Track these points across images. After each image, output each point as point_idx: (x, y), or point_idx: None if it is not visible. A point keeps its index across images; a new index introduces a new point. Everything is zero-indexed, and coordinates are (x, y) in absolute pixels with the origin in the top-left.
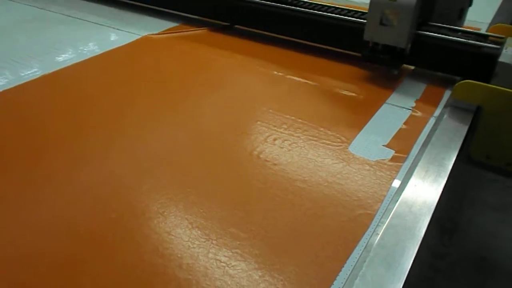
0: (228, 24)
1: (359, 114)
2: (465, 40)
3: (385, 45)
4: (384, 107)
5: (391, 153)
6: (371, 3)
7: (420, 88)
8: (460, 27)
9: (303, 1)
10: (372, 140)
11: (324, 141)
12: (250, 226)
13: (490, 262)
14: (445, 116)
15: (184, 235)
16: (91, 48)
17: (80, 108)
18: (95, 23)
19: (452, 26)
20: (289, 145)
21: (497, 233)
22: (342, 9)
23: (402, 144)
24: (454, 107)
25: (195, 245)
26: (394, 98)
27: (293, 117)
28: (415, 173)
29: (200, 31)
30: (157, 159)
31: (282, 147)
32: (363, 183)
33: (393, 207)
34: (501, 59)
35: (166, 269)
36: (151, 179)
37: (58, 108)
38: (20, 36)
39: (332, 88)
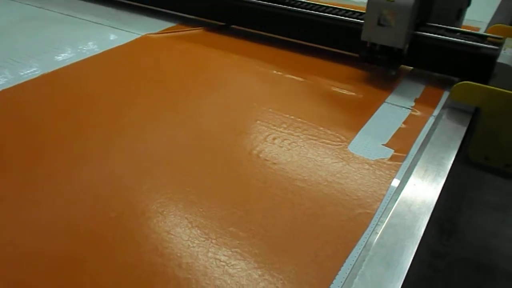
0: (226, 24)
1: (358, 114)
2: (463, 41)
3: (383, 46)
4: (383, 106)
5: (390, 152)
6: (368, 3)
7: (419, 89)
8: (459, 27)
9: (300, 1)
10: (372, 140)
11: (323, 140)
12: (250, 225)
13: (489, 262)
14: (443, 118)
15: (183, 234)
16: (91, 48)
17: (80, 108)
18: (94, 22)
19: (450, 27)
20: (289, 144)
21: (496, 233)
22: (340, 9)
23: (401, 143)
24: (452, 108)
25: (194, 244)
26: (393, 98)
27: (292, 117)
28: (414, 172)
29: (198, 31)
30: (156, 158)
31: (281, 146)
32: (363, 182)
33: (393, 206)
34: (500, 60)
35: (166, 268)
36: (151, 179)
37: (57, 108)
38: (19, 35)
39: (330, 88)
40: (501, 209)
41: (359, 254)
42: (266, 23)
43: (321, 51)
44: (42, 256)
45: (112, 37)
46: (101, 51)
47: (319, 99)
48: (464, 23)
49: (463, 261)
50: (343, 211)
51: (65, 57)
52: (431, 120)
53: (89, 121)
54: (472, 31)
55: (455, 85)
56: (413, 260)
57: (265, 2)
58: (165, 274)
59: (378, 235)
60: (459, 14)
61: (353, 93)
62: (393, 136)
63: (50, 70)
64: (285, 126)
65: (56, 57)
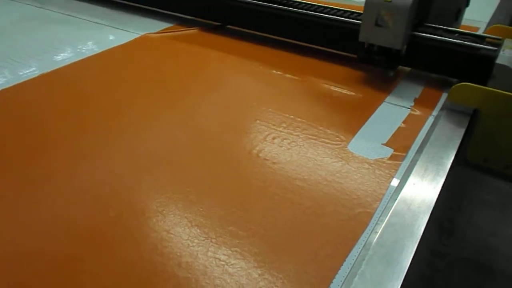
0: (222, 24)
1: (357, 114)
2: (461, 42)
3: (381, 47)
4: (383, 106)
5: (390, 151)
6: (366, 4)
7: (417, 90)
8: (457, 28)
9: (298, 2)
10: (371, 139)
11: (323, 139)
12: (249, 224)
13: (489, 262)
14: (441, 120)
15: (183, 234)
16: (90, 47)
17: (79, 107)
18: (93, 22)
19: (448, 27)
20: (288, 143)
21: (496, 232)
22: (338, 10)
23: (401, 142)
24: (451, 110)
25: (194, 244)
26: (392, 99)
27: (292, 116)
28: (414, 171)
29: (196, 31)
30: (156, 158)
31: (281, 146)
32: (362, 182)
33: (392, 206)
34: (499, 61)
35: (165, 267)
36: (151, 178)
37: (57, 107)
38: (19, 35)
39: (329, 89)
40: (500, 208)
41: (359, 253)
42: (263, 23)
43: (317, 51)
44: (42, 256)
45: (111, 37)
46: (100, 50)
47: (318, 99)
48: (463, 22)
49: (463, 260)
50: (343, 210)
51: (64, 57)
52: (430, 120)
53: (88, 121)
54: (471, 32)
55: (453, 87)
56: (413, 259)
57: (261, 2)
58: (165, 273)
59: (378, 234)
60: (458, 14)
61: (352, 94)
62: (392, 136)
63: (49, 70)
64: (284, 125)
65: (55, 57)
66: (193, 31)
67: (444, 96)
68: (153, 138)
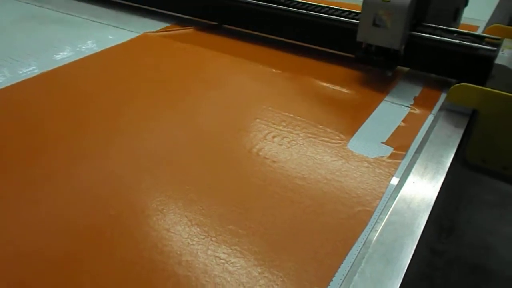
0: (223, 24)
1: (357, 113)
2: (460, 42)
3: (379, 47)
4: (382, 105)
5: (389, 150)
6: (364, 4)
7: (416, 90)
8: (456, 28)
9: (296, 1)
10: (371, 138)
11: (323, 138)
12: (249, 223)
13: (488, 261)
14: (440, 120)
15: (183, 232)
16: (89, 46)
17: (79, 106)
18: (93, 21)
19: (447, 27)
20: (288, 142)
21: (495, 231)
22: (336, 9)
23: (400, 141)
24: (449, 111)
25: (194, 242)
26: (391, 99)
27: (291, 115)
28: (413, 170)
29: (195, 30)
30: (156, 157)
31: (281, 145)
32: (362, 180)
33: (392, 204)
34: (497, 61)
35: (166, 266)
36: (151, 177)
37: (56, 106)
38: (19, 34)
39: (328, 88)
40: (500, 207)
41: (359, 252)
42: (260, 23)
43: (314, 51)
44: (42, 256)
45: (110, 36)
46: (100, 49)
47: (317, 98)
48: (463, 21)
49: (462, 259)
50: (343, 209)
51: (64, 55)
52: (430, 118)
53: (88, 120)
54: (470, 32)
55: (452, 87)
56: (412, 258)
57: (260, 2)
58: (165, 272)
59: (378, 232)
60: (456, 14)
61: (351, 93)
62: (392, 134)
63: (49, 69)
64: (284, 124)
65: (55, 55)
66: (192, 30)
67: (442, 97)
68: (153, 137)
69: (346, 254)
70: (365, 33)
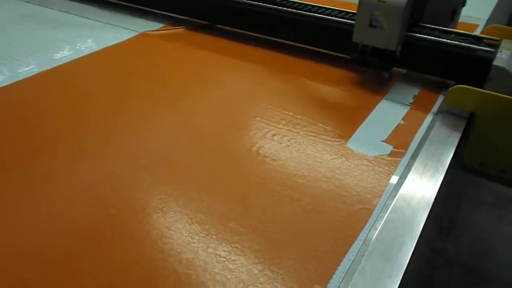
0: (217, 24)
1: (356, 111)
2: (458, 43)
3: (375, 48)
4: (382, 104)
5: (389, 148)
6: (359, 4)
7: (413, 91)
8: (454, 28)
9: (292, 1)
10: (370, 136)
11: (322, 136)
12: (250, 221)
13: (487, 261)
14: (437, 123)
15: (183, 230)
16: (89, 45)
17: (79, 106)
18: (92, 19)
19: (445, 28)
20: (288, 140)
21: (494, 230)
22: (332, 10)
23: (400, 139)
24: (447, 113)
25: (194, 240)
26: (390, 96)
27: (291, 113)
28: (413, 168)
29: (194, 30)
30: (156, 156)
31: (281, 143)
32: (362, 178)
33: (392, 202)
34: (496, 62)
35: (166, 264)
36: (151, 177)
37: (56, 105)
38: (18, 33)
39: (327, 88)
40: (499, 206)
41: (359, 250)
42: (256, 23)
43: (310, 52)
44: (42, 255)
45: (110, 34)
46: (99, 48)
47: (316, 98)
48: (462, 20)
49: (462, 258)
50: (343, 207)
51: (63, 54)
52: (429, 117)
53: (88, 119)
54: (468, 33)
55: (449, 89)
56: (412, 256)
57: (254, 2)
58: (165, 270)
59: (378, 230)
60: (454, 14)
61: (350, 93)
62: (391, 133)
63: (48, 68)
64: (284, 122)
65: (54, 54)
66: (191, 30)
67: (440, 98)
68: (152, 136)
69: (346, 252)
70: (361, 34)
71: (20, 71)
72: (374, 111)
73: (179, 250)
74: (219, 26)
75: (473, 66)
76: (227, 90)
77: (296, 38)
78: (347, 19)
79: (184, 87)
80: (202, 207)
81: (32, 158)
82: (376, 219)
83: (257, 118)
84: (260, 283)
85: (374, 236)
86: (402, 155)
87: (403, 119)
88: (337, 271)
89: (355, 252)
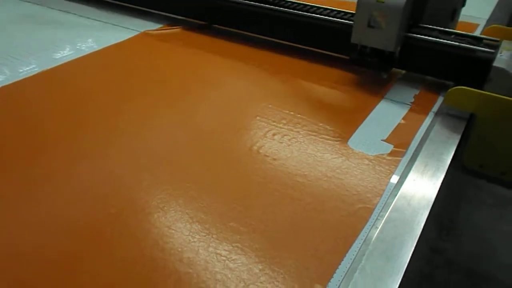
0: (214, 24)
1: (357, 111)
2: (457, 43)
3: (374, 48)
4: (382, 103)
5: (389, 147)
6: (358, 5)
7: (412, 93)
8: (453, 28)
9: (290, 1)
10: (371, 135)
11: (323, 136)
12: (250, 220)
13: (486, 260)
14: (436, 124)
15: (184, 229)
16: (89, 45)
17: (79, 106)
18: (92, 19)
19: (444, 28)
20: (289, 140)
21: (494, 229)
22: (331, 10)
23: (400, 139)
24: (446, 114)
25: (195, 239)
26: (391, 96)
27: (292, 112)
28: (414, 167)
29: (194, 31)
30: (156, 156)
31: (281, 142)
32: (362, 178)
33: (392, 201)
34: (496, 63)
35: (167, 263)
36: (151, 177)
37: (56, 105)
38: (18, 32)
39: (327, 88)
40: (499, 206)
41: (359, 249)
42: (255, 24)
43: (307, 52)
44: (42, 255)
45: (110, 34)
46: (99, 48)
47: (316, 98)
48: (462, 19)
49: (462, 257)
50: (343, 206)
51: (63, 54)
52: (430, 116)
53: (88, 119)
54: (468, 33)
55: (449, 90)
56: (412, 255)
57: (253, 3)
58: (166, 269)
59: (378, 229)
60: (454, 14)
61: (350, 93)
62: (392, 132)
63: (49, 67)
64: (284, 122)
65: (55, 54)
66: (191, 30)
67: (440, 98)
68: (153, 136)
69: (347, 251)
70: (360, 35)
71: (21, 70)
72: (374, 110)
73: (179, 249)
74: (216, 26)
75: (473, 67)
76: (227, 89)
77: (293, 39)
78: (346, 19)
79: (184, 87)
80: (202, 206)
81: (32, 158)
82: (376, 218)
83: (257, 118)
84: (260, 282)
85: (375, 235)
86: (402, 154)
87: (403, 118)
88: (337, 270)
89: (355, 251)
